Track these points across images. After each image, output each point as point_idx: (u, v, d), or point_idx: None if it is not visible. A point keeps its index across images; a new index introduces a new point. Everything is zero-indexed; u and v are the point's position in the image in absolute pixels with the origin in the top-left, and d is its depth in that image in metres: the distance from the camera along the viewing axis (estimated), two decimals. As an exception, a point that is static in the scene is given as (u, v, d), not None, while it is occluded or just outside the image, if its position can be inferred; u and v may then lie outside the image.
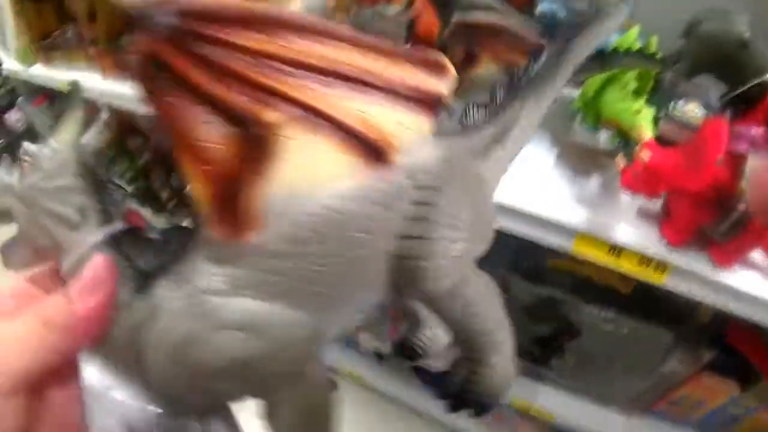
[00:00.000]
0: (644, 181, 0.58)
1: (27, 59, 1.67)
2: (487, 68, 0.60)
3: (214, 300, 0.27)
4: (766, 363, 0.83)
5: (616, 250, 0.61)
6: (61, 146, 0.32)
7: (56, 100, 2.03)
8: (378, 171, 0.26)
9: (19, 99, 2.24)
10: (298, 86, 0.23)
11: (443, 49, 0.58)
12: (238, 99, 0.22)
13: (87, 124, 0.33)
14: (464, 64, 0.59)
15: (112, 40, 1.22)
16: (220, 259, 0.26)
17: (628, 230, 0.62)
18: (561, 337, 1.02)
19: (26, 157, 0.32)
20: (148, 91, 0.22)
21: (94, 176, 0.31)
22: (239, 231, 0.25)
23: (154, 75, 0.21)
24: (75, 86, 0.35)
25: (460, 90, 0.59)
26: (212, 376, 0.28)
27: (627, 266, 0.61)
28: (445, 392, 0.38)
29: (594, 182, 0.69)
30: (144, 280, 0.28)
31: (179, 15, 0.21)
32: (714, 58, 0.68)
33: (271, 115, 0.22)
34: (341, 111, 0.24)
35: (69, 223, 0.30)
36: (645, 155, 0.56)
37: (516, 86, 0.36)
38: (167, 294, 0.27)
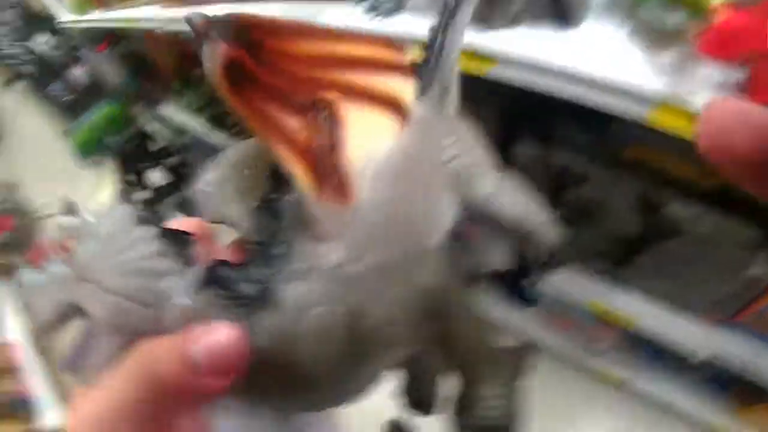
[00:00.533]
0: (724, 43, 0.56)
1: (82, 8, 1.72)
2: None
3: (346, 270, 0.28)
4: None
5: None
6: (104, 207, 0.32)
7: (119, 41, 2.12)
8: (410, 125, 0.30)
9: (81, 51, 2.34)
10: (338, 73, 0.28)
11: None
12: (301, 90, 0.27)
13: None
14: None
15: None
16: (318, 238, 0.29)
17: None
18: (643, 237, 1.01)
19: (68, 234, 0.29)
20: (230, 93, 0.25)
21: (154, 219, 0.30)
22: (343, 194, 0.28)
23: (235, 79, 0.25)
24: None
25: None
26: (379, 336, 0.29)
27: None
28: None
29: (668, 57, 0.66)
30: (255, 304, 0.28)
31: (247, 27, 0.25)
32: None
33: (327, 95, 0.27)
34: (374, 86, 0.29)
35: (157, 274, 0.29)
36: (722, 16, 0.54)
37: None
38: (301, 288, 0.28)
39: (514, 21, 0.77)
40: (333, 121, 0.28)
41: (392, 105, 0.30)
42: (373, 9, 0.87)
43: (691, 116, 0.61)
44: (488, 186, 0.36)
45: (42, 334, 0.31)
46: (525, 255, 0.40)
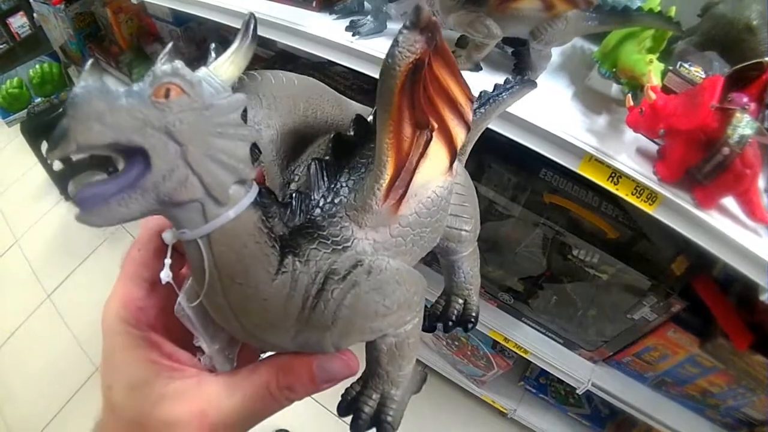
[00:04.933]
0: (647, 119, 0.67)
1: None
2: (530, 3, 0.69)
3: (369, 259, 0.34)
4: (724, 316, 0.94)
5: (616, 176, 0.71)
6: (223, 77, 0.30)
7: (77, 1, 1.97)
8: (451, 171, 0.37)
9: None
10: (444, 107, 0.32)
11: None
12: (428, 109, 0.31)
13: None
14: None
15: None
16: (362, 224, 0.34)
17: (628, 162, 0.71)
18: (545, 276, 1.11)
19: (174, 80, 0.27)
20: (403, 80, 0.28)
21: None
22: (397, 206, 0.34)
23: (412, 71, 0.28)
24: (252, 18, 0.33)
25: (503, 17, 0.69)
26: (381, 317, 0.35)
27: (623, 192, 0.71)
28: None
29: (603, 119, 0.78)
30: (282, 245, 0.31)
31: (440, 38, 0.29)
32: (723, 37, 0.77)
33: (433, 124, 0.31)
34: (452, 129, 0.33)
35: (236, 172, 0.29)
36: (651, 95, 0.66)
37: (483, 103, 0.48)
38: (332, 258, 0.33)
39: (477, 66, 0.84)
40: (425, 147, 0.32)
41: (452, 151, 0.35)
42: (353, 28, 0.90)
43: (612, 171, 0.71)
44: (464, 250, 0.49)
45: (61, 154, 0.24)
46: (449, 311, 0.53)
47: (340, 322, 0.32)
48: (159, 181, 0.26)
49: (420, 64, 0.28)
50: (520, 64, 0.82)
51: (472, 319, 0.53)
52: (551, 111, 0.76)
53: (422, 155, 0.32)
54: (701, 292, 0.96)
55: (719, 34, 0.78)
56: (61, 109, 2.15)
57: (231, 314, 0.31)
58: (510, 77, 0.51)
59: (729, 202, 0.69)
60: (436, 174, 0.35)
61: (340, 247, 0.33)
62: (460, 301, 0.54)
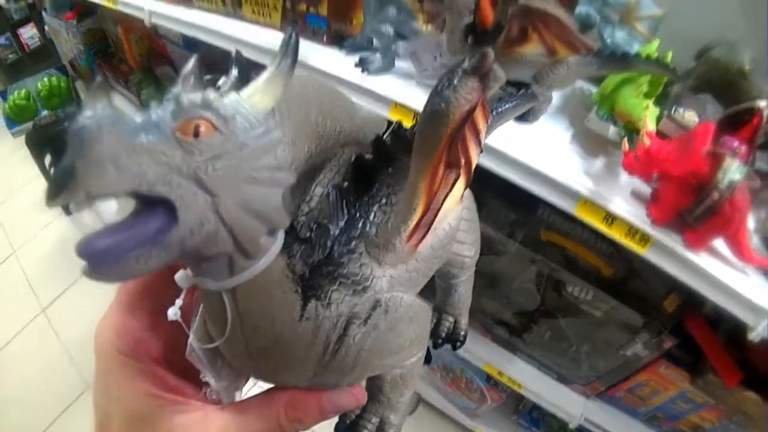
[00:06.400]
0: (641, 164, 0.69)
1: None
2: (533, 48, 0.71)
3: (385, 297, 0.32)
4: (714, 353, 0.95)
5: (610, 218, 0.72)
6: (254, 102, 0.26)
7: (89, 15, 1.98)
8: (462, 199, 0.36)
9: (43, 12, 2.17)
10: (471, 140, 0.30)
11: (501, 27, 0.70)
12: (461, 148, 0.29)
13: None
14: (517, 40, 0.70)
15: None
16: (382, 262, 0.32)
17: (622, 204, 0.73)
18: (540, 311, 1.12)
19: (205, 114, 0.23)
20: (454, 127, 0.26)
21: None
22: (419, 244, 0.33)
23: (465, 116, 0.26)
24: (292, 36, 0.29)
25: (508, 60, 0.72)
26: (394, 355, 0.34)
27: (616, 234, 0.72)
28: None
29: (600, 161, 0.80)
30: (303, 286, 0.30)
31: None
32: (717, 81, 0.80)
33: (461, 161, 0.30)
34: (473, 159, 0.31)
35: (269, 222, 0.26)
36: (646, 141, 0.68)
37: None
38: (353, 301, 0.31)
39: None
40: (455, 183, 0.30)
41: (468, 180, 0.33)
42: (362, 64, 0.92)
43: (606, 214, 0.73)
44: (464, 275, 0.50)
45: (65, 202, 0.20)
46: (440, 328, 0.54)
47: (359, 367, 0.32)
48: (186, 235, 0.23)
49: (473, 110, 0.26)
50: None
51: (461, 338, 0.54)
52: (550, 153, 0.78)
53: (449, 193, 0.31)
54: (692, 330, 0.97)
55: (714, 77, 0.80)
56: (66, 124, 2.19)
57: (249, 359, 0.30)
58: (512, 89, 0.52)
59: (718, 242, 0.71)
60: (454, 206, 0.33)
61: (360, 287, 0.31)
62: (451, 319, 0.54)
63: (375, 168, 0.36)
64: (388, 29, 0.83)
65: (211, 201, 0.23)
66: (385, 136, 0.38)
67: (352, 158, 0.36)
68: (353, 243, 0.32)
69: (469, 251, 0.47)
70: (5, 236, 2.45)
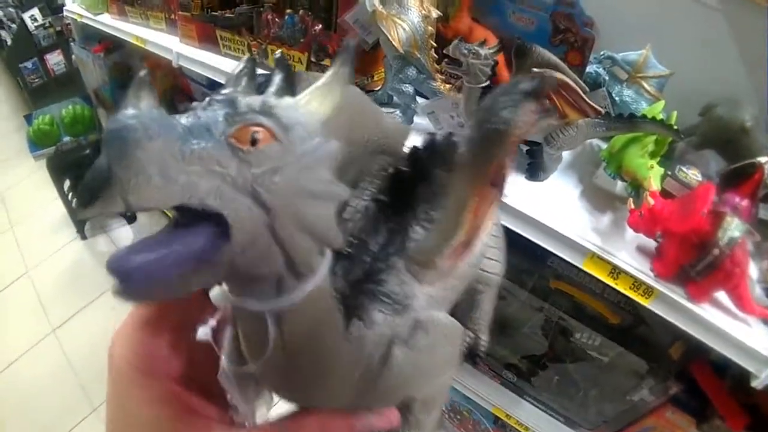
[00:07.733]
0: (646, 222, 0.73)
1: (95, 6, 1.63)
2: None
3: (424, 315, 0.31)
4: (720, 399, 0.96)
5: (616, 272, 0.75)
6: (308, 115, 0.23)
7: (116, 50, 2.01)
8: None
9: (71, 42, 2.21)
10: (509, 166, 0.29)
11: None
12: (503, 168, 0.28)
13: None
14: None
15: (205, 9, 1.20)
16: (422, 280, 0.31)
17: (628, 259, 0.76)
18: (548, 356, 1.14)
19: (265, 123, 0.21)
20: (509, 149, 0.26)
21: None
22: (459, 262, 0.32)
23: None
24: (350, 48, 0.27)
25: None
26: (432, 378, 0.33)
27: (622, 287, 0.75)
28: None
29: (607, 217, 0.83)
30: (345, 305, 0.28)
31: None
32: (720, 137, 0.83)
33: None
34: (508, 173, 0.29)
35: (323, 241, 0.24)
36: (650, 201, 0.72)
37: None
38: (395, 321, 0.30)
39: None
40: (494, 203, 0.29)
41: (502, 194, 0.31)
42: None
43: (612, 268, 0.76)
44: (490, 291, 0.51)
45: (99, 212, 0.18)
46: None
47: (399, 389, 0.31)
48: (236, 253, 0.21)
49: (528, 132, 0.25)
50: (533, 162, 0.88)
51: (481, 353, 0.54)
52: (560, 209, 0.82)
53: (489, 212, 0.29)
54: (697, 376, 0.98)
55: (717, 134, 0.84)
56: (87, 151, 2.20)
57: (287, 381, 0.28)
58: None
59: (720, 294, 0.73)
60: (489, 223, 0.33)
61: (400, 306, 0.30)
62: (471, 334, 0.55)
63: (412, 181, 0.34)
64: (408, 89, 0.86)
65: (267, 217, 0.21)
66: (422, 149, 0.36)
67: (389, 170, 0.34)
68: (393, 260, 0.31)
69: (497, 268, 0.47)
70: (20, 255, 2.49)
